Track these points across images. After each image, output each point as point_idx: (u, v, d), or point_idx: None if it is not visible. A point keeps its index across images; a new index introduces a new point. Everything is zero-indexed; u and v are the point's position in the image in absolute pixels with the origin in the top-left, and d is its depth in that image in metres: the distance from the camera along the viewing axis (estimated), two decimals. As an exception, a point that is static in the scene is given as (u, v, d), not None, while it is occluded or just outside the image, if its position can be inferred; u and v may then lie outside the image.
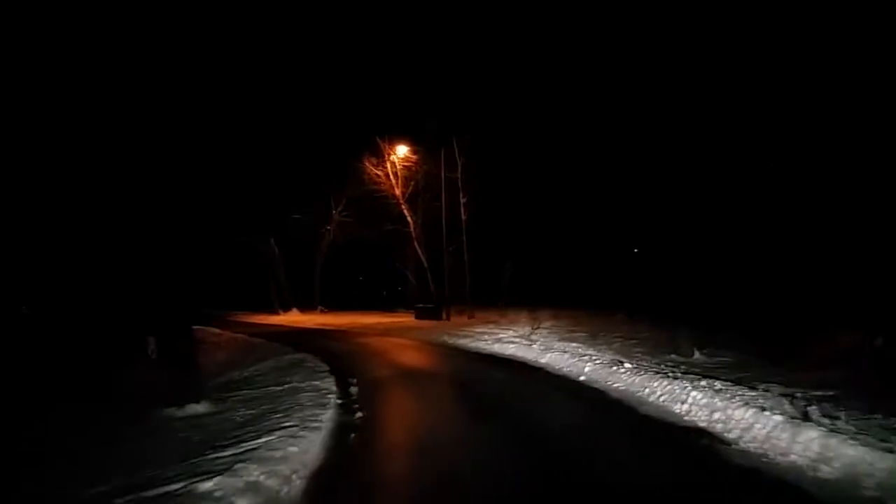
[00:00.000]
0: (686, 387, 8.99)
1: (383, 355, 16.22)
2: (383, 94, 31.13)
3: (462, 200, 28.99)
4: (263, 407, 9.00)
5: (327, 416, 8.18)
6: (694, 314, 21.91)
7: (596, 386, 10.52)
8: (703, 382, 9.22)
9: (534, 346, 16.51)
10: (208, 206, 34.06)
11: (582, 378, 11.42)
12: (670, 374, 10.36)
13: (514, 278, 33.86)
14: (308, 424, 7.44)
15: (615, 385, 10.35)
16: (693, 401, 8.32)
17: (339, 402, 9.57)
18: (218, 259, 40.77)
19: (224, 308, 41.11)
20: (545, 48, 32.63)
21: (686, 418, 7.83)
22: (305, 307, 37.73)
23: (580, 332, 19.83)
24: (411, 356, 16.03)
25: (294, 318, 33.50)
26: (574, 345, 16.36)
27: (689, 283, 27.79)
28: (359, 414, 8.57)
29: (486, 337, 19.45)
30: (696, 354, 13.94)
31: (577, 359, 13.41)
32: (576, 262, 36.33)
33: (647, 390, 9.51)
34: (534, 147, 32.94)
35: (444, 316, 28.10)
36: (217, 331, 25.55)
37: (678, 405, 8.38)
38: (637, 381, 10.21)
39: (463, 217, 29.03)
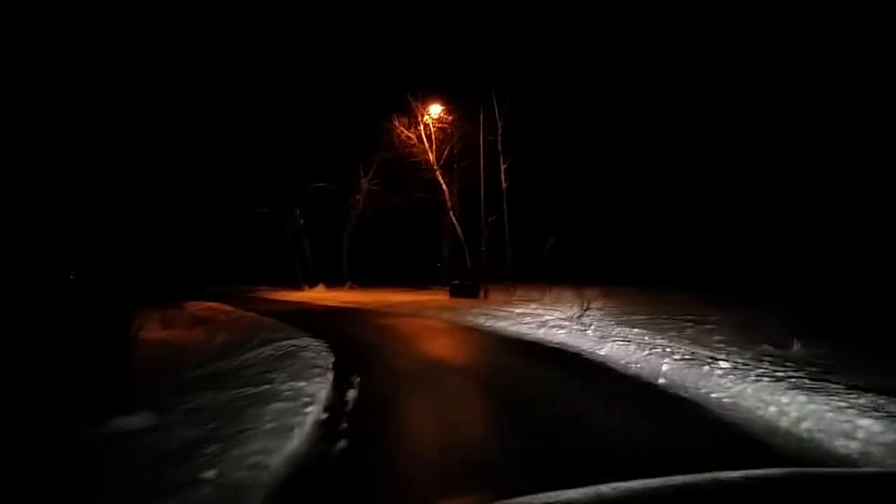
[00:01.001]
0: (840, 406, 5.91)
1: (405, 342, 13.41)
2: (414, 47, 27.92)
3: (502, 166, 25.87)
4: (212, 425, 6.22)
5: (286, 451, 5.31)
6: (760, 290, 18.99)
7: (687, 396, 7.43)
8: (863, 400, 6.12)
9: (587, 331, 13.51)
10: (225, 173, 31.73)
11: (662, 382, 8.36)
12: (793, 380, 7.29)
13: (556, 251, 30.67)
14: (238, 476, 4.56)
15: (716, 396, 7.25)
16: (867, 435, 5.24)
17: (323, 417, 6.73)
18: (240, 231, 38.55)
19: (247, 283, 38.90)
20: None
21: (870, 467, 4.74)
22: (333, 282, 34.99)
23: (639, 314, 16.63)
24: (439, 344, 13.18)
25: (319, 295, 30.80)
26: (636, 331, 13.30)
27: (745, 253, 24.88)
28: (340, 444, 5.66)
29: (528, 319, 16.51)
30: (796, 345, 10.80)
31: (646, 351, 10.41)
32: (622, 234, 33.14)
33: (771, 408, 6.42)
34: (580, 107, 29.48)
35: (481, 294, 25.23)
36: (230, 308, 23.06)
37: (841, 441, 5.29)
38: (749, 391, 7.13)
39: (503, 184, 25.94)
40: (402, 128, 28.19)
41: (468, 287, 26.01)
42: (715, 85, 26.28)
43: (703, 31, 25.95)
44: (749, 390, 7.13)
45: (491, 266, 26.36)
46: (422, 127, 28.14)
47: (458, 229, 28.46)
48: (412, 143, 28.33)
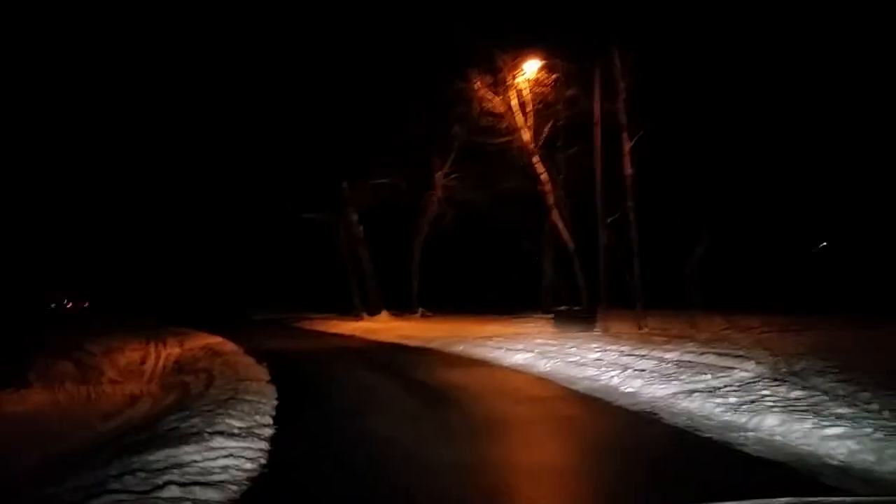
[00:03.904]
0: None
1: (449, 451, 5.63)
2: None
3: (626, 145, 18.23)
4: None
5: None
6: None
7: None
8: None
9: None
10: (261, 171, 25.86)
11: None
12: None
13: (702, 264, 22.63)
14: None
15: None
16: None
17: None
18: (299, 248, 32.63)
19: (304, 309, 32.61)
20: None
21: None
22: (401, 309, 27.35)
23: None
24: (527, 467, 5.35)
25: (377, 326, 22.73)
26: None
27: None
28: None
29: (707, 376, 8.71)
30: None
31: None
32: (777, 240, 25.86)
33: None
34: (736, 61, 21.10)
35: (597, 324, 17.41)
36: (232, 348, 16.18)
37: None
38: None
39: (627, 171, 18.32)
40: (485, 90, 20.74)
41: (579, 315, 18.41)
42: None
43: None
44: None
45: (609, 283, 18.58)
46: (513, 92, 20.62)
47: (565, 234, 20.81)
48: (498, 110, 20.86)
